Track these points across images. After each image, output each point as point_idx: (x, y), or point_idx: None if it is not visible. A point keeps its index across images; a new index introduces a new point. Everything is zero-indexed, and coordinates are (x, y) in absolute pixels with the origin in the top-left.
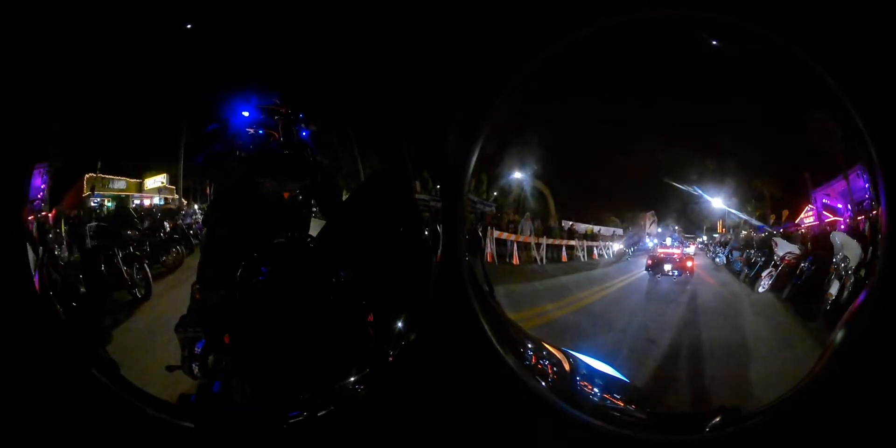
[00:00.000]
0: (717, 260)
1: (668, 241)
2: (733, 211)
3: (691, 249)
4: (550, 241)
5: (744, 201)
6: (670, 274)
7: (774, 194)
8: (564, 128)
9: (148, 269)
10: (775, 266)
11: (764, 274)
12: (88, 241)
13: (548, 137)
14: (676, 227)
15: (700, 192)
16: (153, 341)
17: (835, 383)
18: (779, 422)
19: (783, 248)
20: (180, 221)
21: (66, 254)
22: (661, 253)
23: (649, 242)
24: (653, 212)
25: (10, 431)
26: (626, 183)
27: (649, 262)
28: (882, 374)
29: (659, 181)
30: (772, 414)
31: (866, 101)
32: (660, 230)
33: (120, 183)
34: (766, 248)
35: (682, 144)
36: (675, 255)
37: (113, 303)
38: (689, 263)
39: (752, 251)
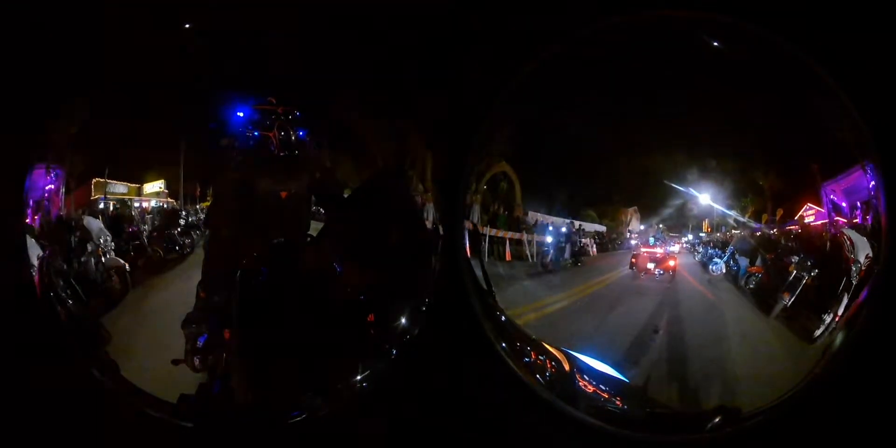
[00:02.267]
0: (713, 268)
1: (651, 240)
2: (727, 211)
3: (676, 249)
4: (494, 232)
5: (738, 197)
6: (655, 274)
7: (774, 186)
8: (559, 123)
9: (195, 236)
10: (847, 287)
11: (839, 312)
12: (154, 224)
13: (540, 130)
14: (660, 226)
15: (693, 190)
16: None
17: (834, 383)
18: (779, 422)
19: (862, 249)
20: (191, 219)
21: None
22: (644, 253)
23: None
24: (635, 208)
25: (11, 432)
26: (611, 175)
27: (633, 261)
28: (882, 374)
29: (649, 177)
30: (772, 414)
31: (866, 99)
32: (642, 228)
33: (121, 187)
34: (817, 253)
35: (676, 142)
36: (658, 255)
37: (165, 262)
38: (671, 262)
39: (797, 258)
